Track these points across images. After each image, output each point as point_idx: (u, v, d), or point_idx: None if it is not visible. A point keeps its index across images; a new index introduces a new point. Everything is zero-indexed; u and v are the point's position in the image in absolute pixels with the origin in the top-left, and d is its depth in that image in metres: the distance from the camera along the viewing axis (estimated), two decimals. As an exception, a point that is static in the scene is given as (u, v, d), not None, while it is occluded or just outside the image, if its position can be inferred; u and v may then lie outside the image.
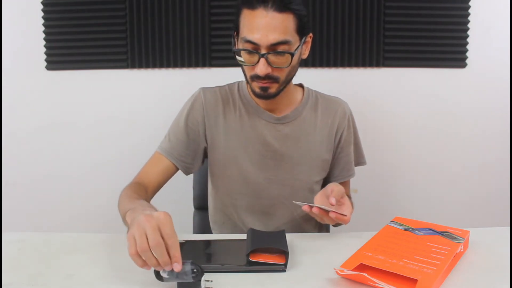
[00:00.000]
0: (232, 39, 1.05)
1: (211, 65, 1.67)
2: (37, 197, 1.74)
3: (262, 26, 0.95)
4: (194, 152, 1.13)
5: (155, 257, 0.67)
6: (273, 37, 0.95)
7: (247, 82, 1.07)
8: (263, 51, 0.96)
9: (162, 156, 1.11)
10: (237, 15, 1.01)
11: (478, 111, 1.72)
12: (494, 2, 1.65)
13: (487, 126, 1.73)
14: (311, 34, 1.05)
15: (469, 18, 1.65)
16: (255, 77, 1.01)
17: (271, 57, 0.97)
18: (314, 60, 1.66)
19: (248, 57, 0.99)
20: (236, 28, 1.02)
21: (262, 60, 0.97)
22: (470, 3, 1.64)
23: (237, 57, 1.01)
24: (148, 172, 1.10)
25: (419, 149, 1.74)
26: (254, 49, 0.97)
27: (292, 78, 1.08)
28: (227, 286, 0.71)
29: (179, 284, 0.68)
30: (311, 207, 0.89)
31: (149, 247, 0.67)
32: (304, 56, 1.06)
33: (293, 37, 0.98)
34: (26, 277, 0.75)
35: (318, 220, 0.93)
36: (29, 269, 0.78)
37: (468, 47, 1.67)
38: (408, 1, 1.64)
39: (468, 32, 1.66)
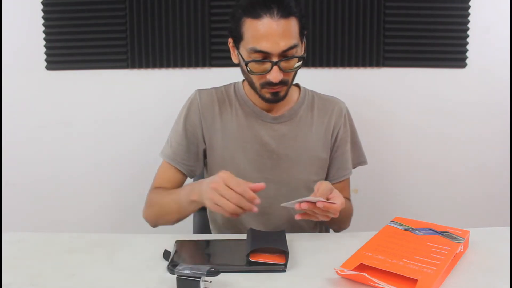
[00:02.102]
0: (231, 48, 1.05)
1: (211, 65, 1.67)
2: (37, 197, 1.74)
3: (271, 34, 0.94)
4: (195, 155, 1.14)
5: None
6: (284, 44, 0.95)
7: (254, 89, 1.07)
8: (274, 59, 0.97)
9: (167, 163, 1.13)
10: (237, 24, 0.99)
11: (478, 111, 1.72)
12: (494, 2, 1.65)
13: (487, 126, 1.73)
14: (305, 33, 1.06)
15: (469, 18, 1.65)
16: (267, 84, 1.01)
17: (283, 63, 0.98)
18: (314, 60, 1.66)
19: (259, 66, 0.99)
20: (236, 37, 1.01)
21: (275, 67, 0.97)
22: (470, 3, 1.64)
23: (246, 68, 1.00)
24: (162, 178, 1.14)
25: (419, 149, 1.74)
26: (265, 57, 0.97)
27: (295, 78, 1.09)
28: (227, 286, 0.71)
29: (178, 283, 0.68)
30: (300, 204, 0.88)
31: (234, 203, 0.83)
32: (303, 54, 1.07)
33: (298, 40, 0.99)
34: (26, 277, 0.75)
35: (313, 218, 0.92)
36: (29, 269, 0.78)
37: (468, 47, 1.67)
38: (408, 1, 1.64)
39: (468, 32, 1.66)
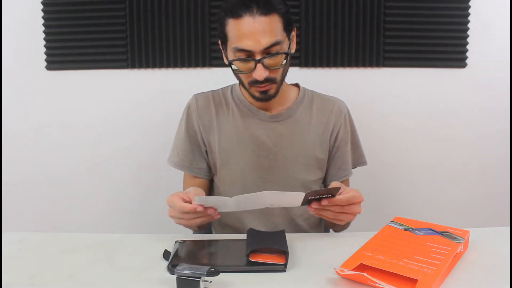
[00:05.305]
0: (222, 50, 1.07)
1: (211, 65, 1.67)
2: (37, 197, 1.74)
3: (252, 33, 0.96)
4: (202, 157, 1.17)
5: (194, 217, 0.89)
6: (265, 41, 0.96)
7: (245, 88, 1.08)
8: (257, 57, 0.98)
9: (184, 173, 1.18)
10: (222, 25, 1.01)
11: (478, 111, 1.72)
12: (494, 2, 1.65)
13: (487, 126, 1.73)
14: (295, 29, 1.07)
15: (469, 18, 1.65)
16: (254, 83, 1.02)
17: (267, 60, 0.98)
18: (314, 60, 1.66)
19: (243, 64, 1.00)
20: (223, 38, 1.04)
21: (259, 65, 0.98)
22: (470, 3, 1.64)
23: (232, 67, 1.02)
24: (186, 188, 1.15)
25: (419, 149, 1.74)
26: (248, 56, 0.99)
27: (286, 75, 1.08)
28: (227, 286, 0.71)
29: (178, 283, 0.68)
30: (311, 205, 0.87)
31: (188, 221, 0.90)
32: (293, 51, 1.07)
33: (282, 36, 0.99)
34: (26, 277, 0.75)
35: (337, 222, 0.91)
36: (29, 269, 0.78)
37: (468, 47, 1.67)
38: (408, 1, 1.64)
39: (468, 32, 1.66)
